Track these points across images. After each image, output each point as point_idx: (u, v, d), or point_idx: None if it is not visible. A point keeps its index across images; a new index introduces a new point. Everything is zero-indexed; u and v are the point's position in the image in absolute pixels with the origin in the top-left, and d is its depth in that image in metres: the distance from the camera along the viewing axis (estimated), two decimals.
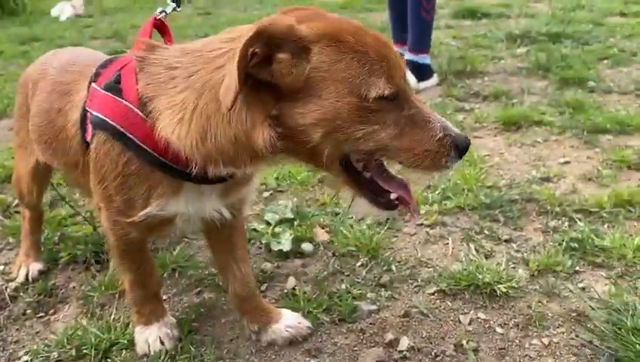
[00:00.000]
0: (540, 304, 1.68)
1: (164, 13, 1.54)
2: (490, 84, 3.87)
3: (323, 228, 2.13)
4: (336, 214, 2.23)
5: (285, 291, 1.80)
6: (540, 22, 5.57)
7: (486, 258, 1.89)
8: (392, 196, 1.26)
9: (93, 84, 1.31)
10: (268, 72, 1.06)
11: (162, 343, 1.55)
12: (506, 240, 1.99)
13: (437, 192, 2.31)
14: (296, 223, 2.16)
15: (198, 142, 1.14)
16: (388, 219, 2.15)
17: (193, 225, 1.44)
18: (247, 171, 1.23)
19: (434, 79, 4.06)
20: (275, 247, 2.02)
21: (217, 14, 8.10)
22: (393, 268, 1.87)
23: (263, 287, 1.83)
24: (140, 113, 1.20)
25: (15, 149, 1.94)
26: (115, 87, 1.25)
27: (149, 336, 1.56)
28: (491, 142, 2.89)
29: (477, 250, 1.94)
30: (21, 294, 1.88)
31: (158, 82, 1.19)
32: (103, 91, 1.27)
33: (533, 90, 3.66)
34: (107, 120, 1.23)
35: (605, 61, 4.26)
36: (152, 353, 1.54)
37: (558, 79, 3.79)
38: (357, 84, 1.08)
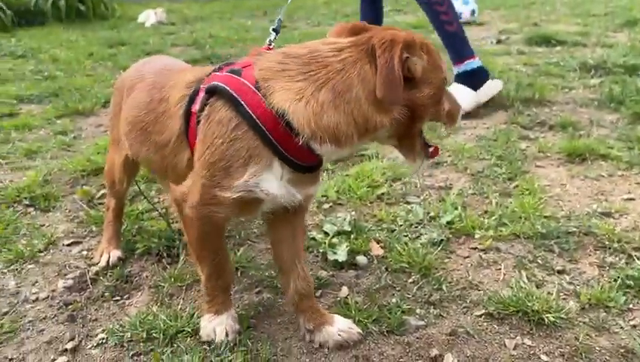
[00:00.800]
0: (587, 337, 1.70)
1: (271, 43, 1.79)
2: (558, 113, 3.84)
3: (378, 243, 2.23)
4: (392, 231, 2.32)
5: (338, 299, 1.91)
6: (617, 52, 5.43)
7: (537, 287, 1.93)
8: (431, 149, 1.67)
9: (216, 73, 1.53)
10: (406, 69, 1.42)
11: (227, 334, 1.69)
12: (559, 271, 2.01)
13: (493, 218, 2.35)
14: (352, 236, 2.26)
15: (311, 120, 1.38)
16: (442, 240, 2.21)
17: (272, 206, 1.57)
18: (342, 152, 1.50)
19: (496, 82, 4.02)
20: (331, 257, 2.13)
21: (291, 28, 8.37)
22: (444, 287, 1.94)
23: (318, 294, 1.94)
24: (253, 87, 1.41)
25: (109, 144, 2.20)
26: (237, 72, 1.48)
27: (217, 326, 1.70)
28: (553, 173, 2.89)
29: (528, 278, 1.97)
30: (101, 278, 2.09)
31: (272, 71, 1.44)
32: (227, 74, 1.49)
33: (603, 123, 3.61)
34: (224, 86, 1.44)
35: None
36: (216, 341, 1.69)
37: (630, 113, 3.71)
38: (442, 74, 1.52)
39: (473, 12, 8.53)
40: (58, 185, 2.92)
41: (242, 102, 1.41)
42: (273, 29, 1.87)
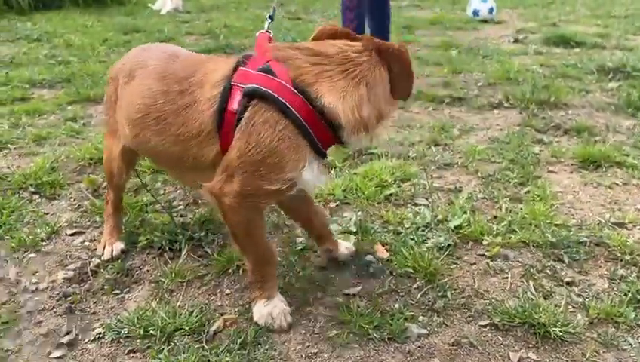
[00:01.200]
0: (595, 353, 1.65)
1: (269, 30, 1.88)
2: (574, 117, 3.76)
3: (384, 246, 2.18)
4: (398, 233, 2.28)
5: (339, 301, 1.87)
6: (637, 56, 5.31)
7: (545, 298, 1.88)
8: None
9: (242, 68, 1.61)
10: None
11: (284, 317, 1.75)
12: (567, 283, 1.96)
13: (502, 224, 2.30)
14: (358, 237, 2.22)
15: (355, 113, 1.57)
16: (449, 245, 2.17)
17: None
18: (362, 142, 1.70)
19: None
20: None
21: (306, 20, 8.30)
22: (448, 294, 1.90)
23: (319, 295, 1.91)
24: (293, 89, 1.54)
25: (106, 136, 2.15)
26: (269, 71, 1.57)
27: (273, 310, 1.75)
28: (566, 179, 2.82)
29: (536, 289, 1.92)
30: (101, 270, 2.07)
31: (311, 73, 1.56)
32: (259, 72, 1.57)
33: (619, 129, 3.52)
34: (270, 91, 1.53)
35: None
36: (275, 326, 1.73)
37: None
38: None
39: (491, 10, 8.41)
40: (65, 173, 2.91)
41: (289, 106, 1.53)
42: (269, 16, 1.97)
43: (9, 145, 3.32)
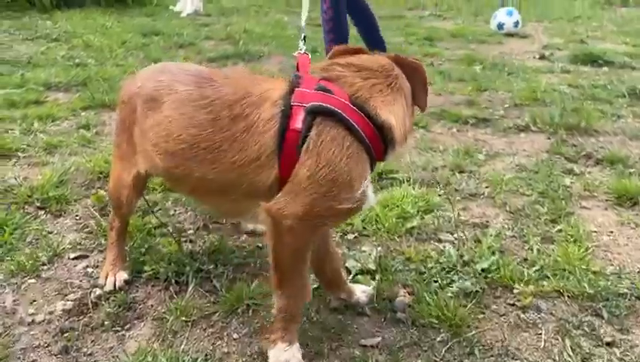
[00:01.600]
0: None
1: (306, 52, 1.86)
2: (606, 146, 3.57)
3: (405, 288, 2.03)
4: (421, 273, 2.12)
5: (355, 355, 1.72)
6: None
7: (583, 361, 1.71)
8: None
9: (299, 88, 1.59)
10: None
11: None
12: (608, 343, 1.78)
13: (534, 269, 2.13)
14: (377, 277, 2.07)
15: (402, 127, 1.61)
16: (477, 291, 2.00)
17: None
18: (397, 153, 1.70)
19: None
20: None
21: None
22: (476, 352, 1.73)
23: (333, 346, 1.76)
24: (353, 106, 1.55)
25: (115, 161, 2.00)
26: (327, 90, 1.57)
27: (292, 358, 1.62)
28: (600, 216, 2.64)
29: (573, 349, 1.75)
30: (102, 302, 1.94)
31: (364, 88, 1.59)
32: (318, 91, 1.56)
33: None
34: (334, 108, 1.52)
35: None
36: None
37: None
38: None
39: (516, 24, 8.21)
40: (72, 187, 2.80)
41: (353, 123, 1.52)
42: (303, 37, 1.95)
43: (19, 154, 3.22)
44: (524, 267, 2.16)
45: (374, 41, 5.03)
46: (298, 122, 1.52)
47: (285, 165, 1.54)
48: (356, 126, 1.53)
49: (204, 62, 5.84)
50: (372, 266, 2.13)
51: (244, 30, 7.75)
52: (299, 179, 1.52)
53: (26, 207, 2.60)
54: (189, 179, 1.72)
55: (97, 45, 6.35)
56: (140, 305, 1.94)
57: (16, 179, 2.86)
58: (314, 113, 1.53)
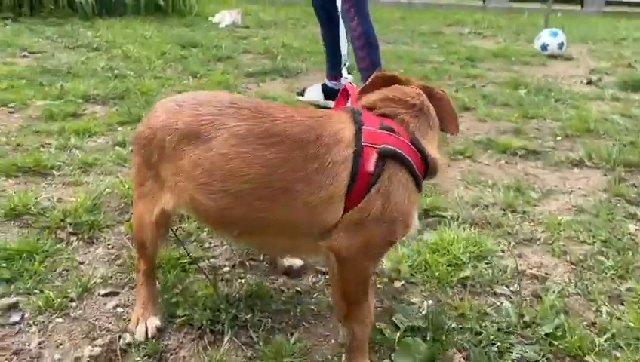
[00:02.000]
0: None
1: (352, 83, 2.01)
2: None
3: (460, 353, 1.84)
4: (477, 334, 1.92)
5: None
6: None
7: None
8: None
9: (366, 127, 1.62)
10: None
11: None
12: None
13: (605, 337, 1.91)
14: (429, 336, 1.89)
15: (440, 161, 1.73)
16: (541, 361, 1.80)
17: None
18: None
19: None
20: None
21: None
22: None
23: None
24: (413, 147, 1.65)
25: (136, 201, 1.87)
26: (392, 130, 1.64)
27: None
28: None
29: None
30: (132, 350, 1.81)
31: (416, 127, 1.70)
32: (386, 132, 1.63)
33: None
34: (403, 153, 1.60)
35: None
36: None
37: None
38: None
39: (561, 46, 7.96)
40: (106, 212, 2.69)
41: (414, 166, 1.62)
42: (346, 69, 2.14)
43: (54, 172, 3.14)
44: (592, 332, 1.95)
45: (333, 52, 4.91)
46: (371, 165, 1.56)
47: (350, 204, 1.57)
48: (415, 167, 1.62)
49: (242, 77, 5.76)
50: (422, 323, 1.94)
51: (282, 44, 7.68)
52: (362, 217, 1.56)
53: (58, 231, 2.50)
54: (246, 220, 1.63)
55: (136, 56, 6.33)
56: (171, 355, 1.80)
57: (50, 200, 2.78)
58: (386, 156, 1.58)
